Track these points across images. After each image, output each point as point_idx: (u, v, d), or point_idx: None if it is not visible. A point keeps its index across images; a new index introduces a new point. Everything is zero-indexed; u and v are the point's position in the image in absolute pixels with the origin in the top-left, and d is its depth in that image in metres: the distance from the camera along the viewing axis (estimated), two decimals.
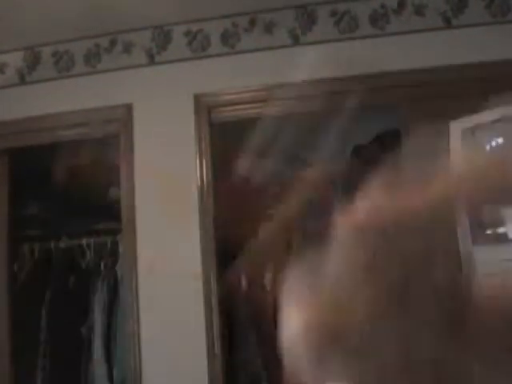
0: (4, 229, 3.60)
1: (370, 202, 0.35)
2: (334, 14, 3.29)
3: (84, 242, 3.91)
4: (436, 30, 3.20)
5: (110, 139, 3.57)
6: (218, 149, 3.43)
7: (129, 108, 3.43)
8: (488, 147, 2.51)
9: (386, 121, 3.49)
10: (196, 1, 3.26)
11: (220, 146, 3.44)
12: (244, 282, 3.62)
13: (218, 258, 3.30)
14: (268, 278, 3.60)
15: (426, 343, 0.33)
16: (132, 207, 3.37)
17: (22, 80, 3.57)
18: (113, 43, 3.48)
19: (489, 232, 2.45)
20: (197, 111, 3.38)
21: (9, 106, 3.55)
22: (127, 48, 3.47)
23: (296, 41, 3.33)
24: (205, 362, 3.21)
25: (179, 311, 3.27)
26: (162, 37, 3.44)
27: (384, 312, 0.34)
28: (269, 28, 3.35)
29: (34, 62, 3.56)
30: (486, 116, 2.43)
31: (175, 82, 3.41)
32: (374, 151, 3.57)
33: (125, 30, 3.44)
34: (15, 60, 3.57)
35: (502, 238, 2.40)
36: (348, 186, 3.48)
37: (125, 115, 3.43)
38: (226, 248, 3.44)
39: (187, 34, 3.42)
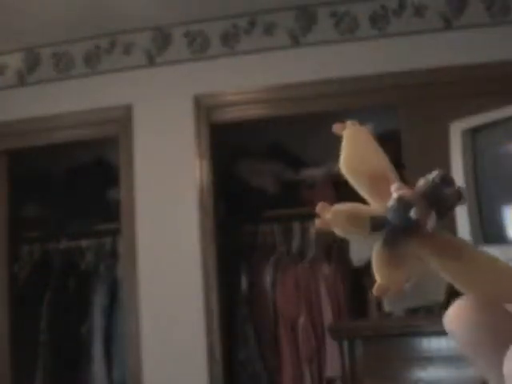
0: (4, 230, 3.60)
1: None
2: (333, 15, 3.29)
3: (83, 243, 3.91)
4: (436, 31, 3.20)
5: (109, 140, 3.58)
6: (218, 149, 3.43)
7: (128, 109, 3.43)
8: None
9: (386, 121, 3.49)
10: (196, 2, 3.26)
11: (219, 146, 3.44)
12: (244, 282, 3.62)
13: (217, 258, 3.30)
14: (268, 277, 3.60)
15: None
16: (132, 207, 3.37)
17: (22, 81, 3.57)
18: (113, 44, 3.48)
19: (490, 232, 2.45)
20: (196, 112, 3.38)
21: (9, 107, 3.55)
22: (127, 49, 3.47)
23: (296, 42, 3.33)
24: (205, 363, 3.21)
25: (179, 312, 3.27)
26: (162, 38, 3.44)
27: None
28: (268, 29, 3.35)
29: (33, 63, 3.56)
30: (486, 117, 2.44)
31: (175, 83, 3.41)
32: None
33: (125, 31, 3.44)
34: (15, 61, 3.58)
35: (504, 238, 2.40)
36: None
37: (124, 116, 3.43)
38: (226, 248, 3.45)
39: (187, 35, 3.42)
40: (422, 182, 0.38)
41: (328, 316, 3.44)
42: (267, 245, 3.73)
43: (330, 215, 0.39)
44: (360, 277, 3.45)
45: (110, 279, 3.77)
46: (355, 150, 0.43)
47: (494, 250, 2.44)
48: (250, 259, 3.68)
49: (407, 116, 3.18)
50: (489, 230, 2.44)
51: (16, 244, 3.77)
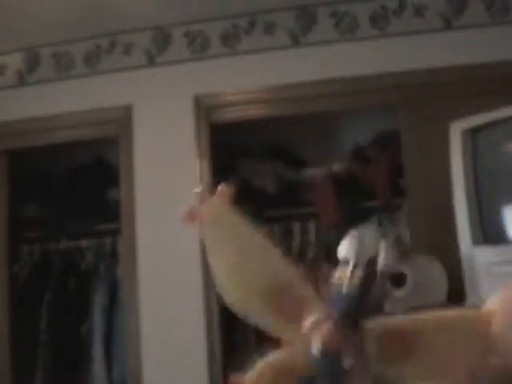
0: (4, 230, 3.60)
1: None
2: (333, 14, 3.29)
3: (83, 243, 3.90)
4: (436, 31, 3.20)
5: (109, 140, 3.58)
6: (218, 149, 3.43)
7: (128, 109, 3.43)
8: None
9: (386, 121, 3.49)
10: (196, 2, 3.26)
11: (219, 146, 3.44)
12: None
13: None
14: None
15: None
16: (132, 207, 3.37)
17: (22, 81, 3.57)
18: (113, 44, 3.48)
19: (490, 232, 2.45)
20: (196, 112, 3.38)
21: (9, 106, 3.55)
22: (127, 49, 3.47)
23: (296, 42, 3.33)
24: (205, 362, 3.21)
25: (179, 311, 3.27)
26: (162, 38, 3.44)
27: None
28: (269, 29, 3.35)
29: (33, 63, 3.56)
30: (486, 117, 2.44)
31: (175, 83, 3.41)
32: (374, 152, 3.57)
33: (125, 31, 3.44)
34: (15, 61, 3.58)
35: (504, 238, 2.40)
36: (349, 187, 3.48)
37: (124, 116, 3.43)
38: None
39: (187, 34, 3.42)
40: (337, 298, 0.31)
41: None
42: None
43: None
44: None
45: (109, 279, 3.77)
46: (235, 258, 0.33)
47: (494, 250, 2.44)
48: None
49: (407, 116, 3.18)
50: (489, 230, 2.43)
51: (16, 244, 3.77)
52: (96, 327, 3.67)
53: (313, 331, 0.30)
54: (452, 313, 0.32)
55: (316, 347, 0.30)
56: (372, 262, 0.30)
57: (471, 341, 0.30)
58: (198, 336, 3.22)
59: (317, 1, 3.29)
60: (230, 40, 3.38)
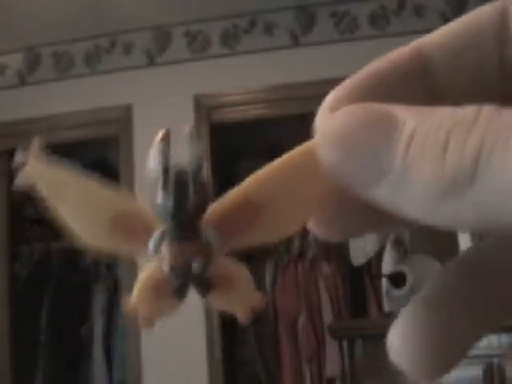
0: (4, 229, 3.61)
1: None
2: (333, 14, 3.30)
3: None
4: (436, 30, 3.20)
5: (110, 140, 3.58)
6: (218, 150, 3.43)
7: (128, 109, 3.43)
8: None
9: None
10: (196, 2, 3.26)
11: (219, 146, 3.44)
12: None
13: None
14: (268, 277, 3.61)
15: None
16: None
17: (22, 81, 3.57)
18: (113, 44, 3.49)
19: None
20: (196, 112, 3.38)
21: (9, 107, 3.55)
22: (127, 49, 3.48)
23: (296, 42, 3.33)
24: (205, 363, 3.21)
25: (179, 311, 3.26)
26: (162, 38, 3.44)
27: None
28: (269, 29, 3.36)
29: (33, 63, 3.57)
30: None
31: (175, 83, 3.41)
32: None
33: (125, 31, 3.45)
34: (15, 61, 3.58)
35: None
36: None
37: (124, 116, 3.43)
38: None
39: (187, 34, 3.43)
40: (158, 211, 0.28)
41: (328, 316, 3.44)
42: (267, 245, 3.72)
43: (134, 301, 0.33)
44: (360, 277, 3.45)
45: (109, 279, 3.77)
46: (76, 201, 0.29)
47: None
48: (250, 259, 3.68)
49: None
50: None
51: (16, 244, 3.77)
52: (96, 327, 3.68)
53: (158, 253, 0.29)
54: (282, 160, 0.28)
55: (165, 267, 0.29)
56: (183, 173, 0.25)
57: (309, 177, 0.26)
58: (198, 336, 3.22)
59: (317, 1, 3.29)
60: (229, 40, 3.39)
